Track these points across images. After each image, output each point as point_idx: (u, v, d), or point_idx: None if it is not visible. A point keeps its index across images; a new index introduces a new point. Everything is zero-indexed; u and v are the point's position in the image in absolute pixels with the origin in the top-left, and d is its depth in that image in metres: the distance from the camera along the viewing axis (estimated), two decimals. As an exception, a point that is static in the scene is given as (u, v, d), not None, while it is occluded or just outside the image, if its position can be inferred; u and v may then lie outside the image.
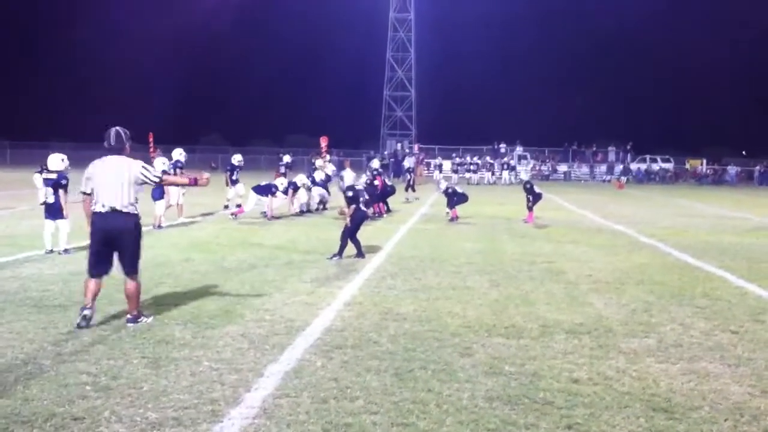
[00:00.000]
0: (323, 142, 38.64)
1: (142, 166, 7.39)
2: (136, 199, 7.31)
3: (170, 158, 18.67)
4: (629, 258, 12.79)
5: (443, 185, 21.05)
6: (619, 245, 14.76)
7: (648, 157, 61.56)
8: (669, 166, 60.72)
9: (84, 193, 7.39)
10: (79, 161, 11.70)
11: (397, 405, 5.08)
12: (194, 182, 7.93)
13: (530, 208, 19.35)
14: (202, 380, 5.56)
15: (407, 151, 60.74)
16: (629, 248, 14.31)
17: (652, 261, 12.53)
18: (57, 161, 12.29)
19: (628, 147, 62.46)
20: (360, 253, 12.11)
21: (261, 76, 78.96)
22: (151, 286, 9.09)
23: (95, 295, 7.24)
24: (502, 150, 59.72)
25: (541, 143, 62.40)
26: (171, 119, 65.21)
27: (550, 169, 60.81)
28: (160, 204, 16.22)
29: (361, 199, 12.37)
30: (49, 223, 12.09)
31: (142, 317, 7.33)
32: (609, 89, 73.28)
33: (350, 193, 12.42)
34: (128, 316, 7.30)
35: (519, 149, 61.19)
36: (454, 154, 57.37)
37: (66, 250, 11.97)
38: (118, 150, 7.36)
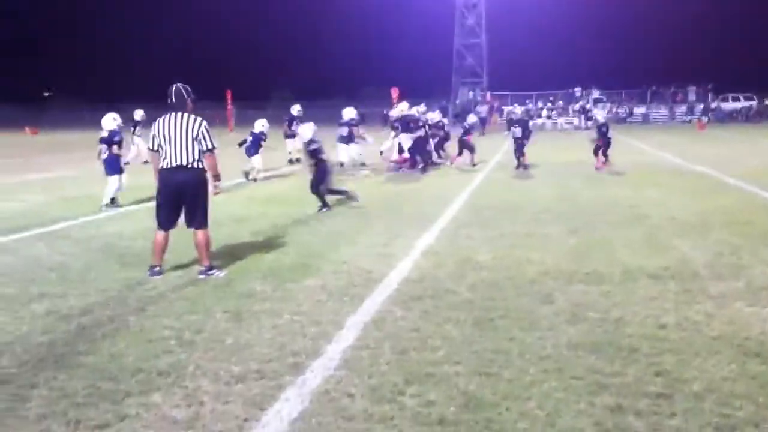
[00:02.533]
0: (394, 93, 38.38)
1: (204, 127, 7.45)
2: (200, 154, 7.42)
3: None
4: (714, 200, 12.35)
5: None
6: (702, 187, 14.29)
7: (730, 95, 59.34)
8: (752, 104, 58.41)
9: (152, 150, 7.57)
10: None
11: (479, 354, 5.01)
12: (216, 178, 7.79)
13: (597, 152, 18.38)
14: (283, 333, 5.59)
15: (479, 99, 59.95)
16: (713, 190, 13.84)
17: (738, 202, 12.08)
18: (109, 120, 12.98)
19: (709, 86, 60.30)
20: (324, 205, 12.01)
21: (329, 29, 78.79)
22: (230, 241, 9.21)
23: (163, 249, 7.54)
24: (577, 94, 58.40)
25: (618, 85, 60.71)
26: (241, 75, 65.83)
27: (627, 111, 59.24)
28: (256, 158, 17.39)
29: (323, 154, 12.17)
30: (109, 179, 12.81)
31: (214, 270, 7.49)
32: (686, 26, 70.55)
33: (313, 146, 12.15)
34: (200, 267, 7.52)
35: (595, 93, 59.73)
36: (527, 100, 56.39)
37: (106, 205, 12.64)
38: (179, 107, 7.47)
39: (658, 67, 64.78)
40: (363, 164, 20.04)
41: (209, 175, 7.62)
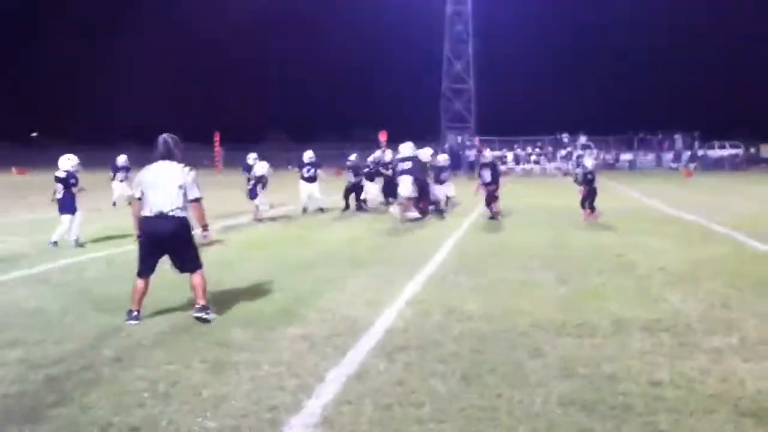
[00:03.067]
0: (382, 136, 38.57)
1: (192, 176, 7.46)
2: (185, 202, 7.36)
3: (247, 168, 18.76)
4: (703, 249, 12.24)
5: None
6: (691, 235, 14.20)
7: (716, 143, 59.83)
8: (738, 151, 58.89)
9: (135, 198, 7.51)
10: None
11: (465, 412, 4.80)
12: (204, 228, 7.82)
13: (584, 204, 17.21)
14: (261, 386, 5.37)
15: (468, 143, 60.22)
16: (702, 238, 13.74)
17: (728, 251, 11.97)
18: (64, 161, 13.49)
19: (695, 134, 60.81)
20: None
21: (321, 74, 79.36)
22: (211, 286, 8.97)
23: (143, 294, 7.41)
24: (565, 140, 58.78)
25: (605, 132, 61.13)
26: (234, 117, 66.03)
27: (614, 157, 59.63)
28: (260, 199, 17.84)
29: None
30: (61, 218, 13.20)
31: (209, 310, 7.40)
32: (674, 75, 71.38)
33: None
34: (196, 306, 7.37)
35: (582, 138, 60.13)
36: (515, 146, 56.71)
37: (53, 243, 12.91)
38: (166, 155, 7.47)
39: (645, 114, 65.27)
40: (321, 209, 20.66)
41: (195, 223, 7.64)
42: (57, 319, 7.45)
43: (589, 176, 17.36)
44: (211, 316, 7.36)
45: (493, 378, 5.52)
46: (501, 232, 15.08)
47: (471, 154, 48.92)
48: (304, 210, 20.41)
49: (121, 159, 24.24)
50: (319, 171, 20.98)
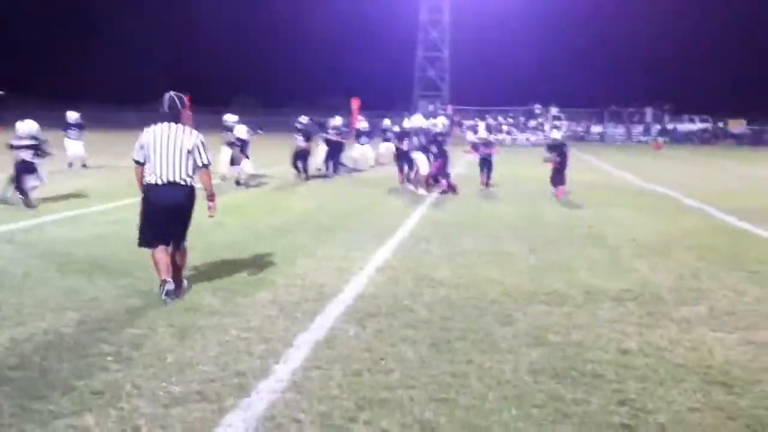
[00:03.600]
0: (354, 104, 38.30)
1: (201, 141, 6.80)
2: (194, 170, 6.78)
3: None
4: (674, 221, 12.30)
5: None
6: (662, 208, 14.26)
7: (686, 117, 60.30)
8: (708, 126, 59.42)
9: (136, 162, 6.79)
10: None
11: (435, 378, 4.75)
12: (211, 198, 7.03)
13: (555, 182, 16.09)
14: (229, 350, 5.27)
15: (440, 112, 60.01)
16: (674, 211, 13.81)
17: (699, 224, 12.04)
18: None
19: (665, 107, 61.21)
20: None
21: (294, 36, 78.46)
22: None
23: (168, 263, 6.69)
24: (537, 111, 58.85)
25: (577, 104, 61.31)
26: (203, 80, 65.08)
27: (585, 129, 59.88)
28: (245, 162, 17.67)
29: None
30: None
31: (185, 282, 7.03)
32: (646, 49, 71.63)
33: None
34: (174, 281, 6.71)
35: (554, 110, 60.24)
36: (487, 115, 56.64)
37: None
38: (173, 117, 6.78)
39: (616, 87, 65.53)
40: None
41: (202, 193, 6.95)
42: (19, 281, 7.27)
43: (562, 147, 16.69)
44: (185, 285, 6.97)
45: (463, 345, 5.47)
46: (472, 202, 15.03)
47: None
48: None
49: (73, 116, 22.24)
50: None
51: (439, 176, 17.06)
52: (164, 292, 6.55)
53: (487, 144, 18.42)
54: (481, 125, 23.62)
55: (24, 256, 8.55)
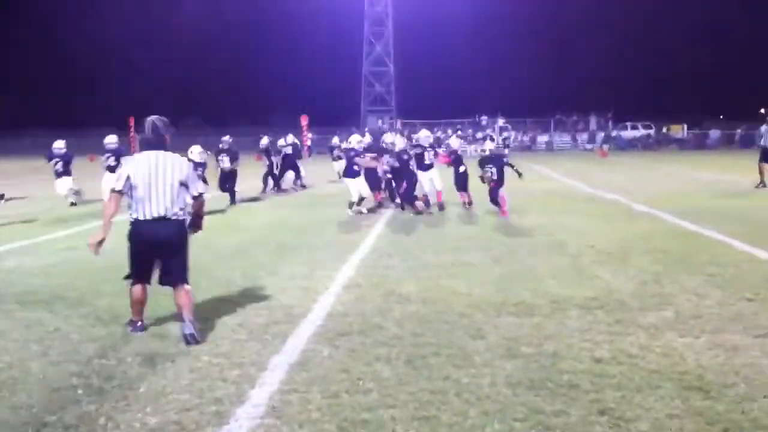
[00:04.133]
0: (303, 120, 38.38)
1: (191, 169, 6.38)
2: (185, 202, 6.27)
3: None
4: (627, 227, 12.49)
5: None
6: (614, 214, 14.48)
7: (629, 124, 61.53)
8: (650, 132, 60.70)
9: (115, 191, 6.13)
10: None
11: (415, 396, 4.73)
12: (198, 227, 6.74)
13: (494, 200, 14.65)
14: (202, 377, 5.18)
15: (387, 127, 60.21)
16: (625, 217, 14.03)
17: (652, 229, 12.24)
18: None
19: (609, 115, 62.38)
20: None
21: (237, 55, 78.06)
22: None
23: (143, 302, 6.37)
24: (484, 122, 59.45)
25: (522, 114, 62.15)
26: (148, 101, 64.33)
27: (531, 139, 60.69)
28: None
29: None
30: None
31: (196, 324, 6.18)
32: (587, 58, 73.01)
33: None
34: (186, 322, 6.08)
35: (500, 121, 60.91)
36: (435, 129, 56.98)
37: None
38: (158, 143, 6.21)
39: (561, 96, 66.69)
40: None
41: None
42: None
43: (500, 161, 15.17)
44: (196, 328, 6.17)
45: (438, 360, 5.46)
46: (427, 216, 15.06)
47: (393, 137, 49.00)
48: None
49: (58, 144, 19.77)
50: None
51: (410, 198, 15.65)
52: (132, 329, 6.30)
53: (459, 158, 16.74)
54: (453, 138, 23.32)
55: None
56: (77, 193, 19.09)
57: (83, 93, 72.64)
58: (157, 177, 6.05)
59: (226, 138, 19.93)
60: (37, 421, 4.41)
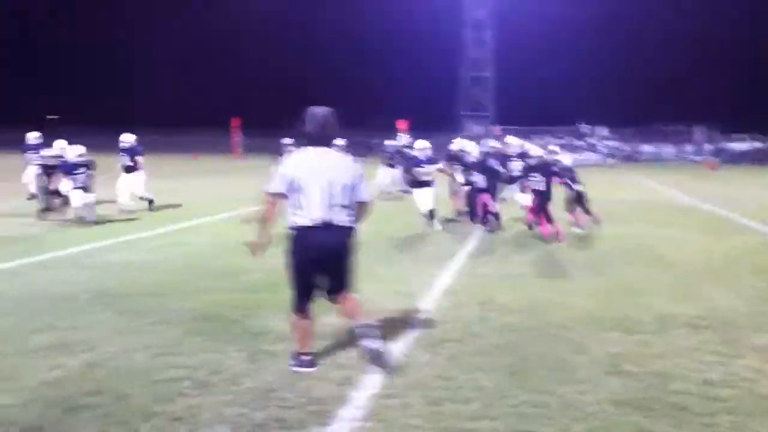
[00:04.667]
0: (401, 125, 38.59)
1: (362, 171, 5.49)
2: (353, 207, 5.42)
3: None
4: (734, 241, 12.03)
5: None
6: (721, 228, 13.97)
7: (737, 136, 59.31)
8: (760, 144, 58.33)
9: (276, 194, 5.36)
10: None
11: (517, 409, 4.66)
12: None
13: (542, 216, 12.54)
14: (304, 376, 5.25)
15: (487, 132, 59.83)
16: (732, 231, 13.52)
17: (759, 244, 11.76)
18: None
19: (716, 126, 60.28)
20: None
21: (336, 56, 79.01)
22: (240, 272, 8.88)
23: (309, 334, 5.58)
24: (584, 130, 58.39)
25: (626, 123, 60.61)
26: (251, 104, 65.92)
27: (634, 149, 59.19)
28: None
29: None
30: None
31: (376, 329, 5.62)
32: (693, 67, 70.74)
33: None
34: (369, 335, 5.53)
35: (603, 130, 59.65)
36: (534, 136, 56.26)
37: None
38: (326, 140, 5.40)
39: (665, 105, 64.76)
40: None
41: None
42: (85, 305, 7.36)
43: (570, 174, 13.30)
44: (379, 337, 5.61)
45: (540, 373, 5.37)
46: (513, 225, 14.84)
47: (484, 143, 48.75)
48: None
49: (31, 137, 17.91)
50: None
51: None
52: (296, 364, 5.45)
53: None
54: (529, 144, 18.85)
55: (88, 279, 8.66)
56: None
57: (188, 91, 74.91)
58: (322, 177, 5.22)
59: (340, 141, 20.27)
60: (145, 411, 4.55)
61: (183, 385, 5.03)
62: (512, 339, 6.25)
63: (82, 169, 13.60)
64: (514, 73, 68.12)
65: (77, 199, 13.40)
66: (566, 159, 13.87)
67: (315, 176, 5.22)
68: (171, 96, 70.57)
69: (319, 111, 5.43)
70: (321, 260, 5.37)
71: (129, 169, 16.17)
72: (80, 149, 13.91)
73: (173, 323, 6.64)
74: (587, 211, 13.30)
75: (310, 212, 5.23)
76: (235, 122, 51.55)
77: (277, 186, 5.30)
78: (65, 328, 6.44)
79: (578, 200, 13.33)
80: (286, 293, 7.69)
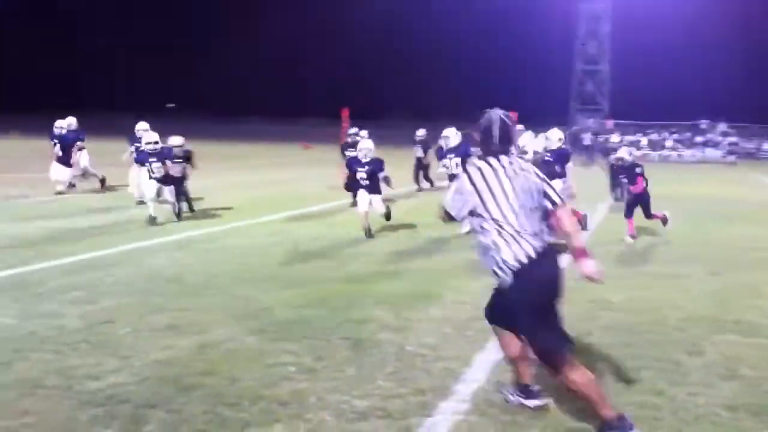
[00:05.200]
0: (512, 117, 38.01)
1: (543, 176, 4.31)
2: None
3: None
4: None
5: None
6: None
7: None
8: None
9: (455, 218, 4.43)
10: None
11: (626, 409, 4.50)
12: (581, 253, 4.25)
13: (630, 213, 11.83)
14: (407, 367, 5.25)
15: (598, 126, 58.46)
16: None
17: None
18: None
19: None
20: None
21: (447, 47, 78.85)
22: (344, 263, 8.98)
23: (599, 389, 4.20)
24: (703, 126, 56.20)
25: (748, 119, 57.91)
26: (353, 95, 66.70)
27: (756, 146, 56.46)
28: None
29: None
30: None
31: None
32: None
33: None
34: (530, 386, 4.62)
35: (722, 125, 57.24)
36: (649, 131, 54.60)
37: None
38: (504, 149, 4.31)
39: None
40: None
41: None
42: (197, 288, 7.60)
43: (637, 170, 11.82)
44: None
45: (650, 374, 5.19)
46: (640, 221, 14.40)
47: (586, 137, 47.61)
48: None
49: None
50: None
51: None
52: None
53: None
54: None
55: (199, 263, 8.94)
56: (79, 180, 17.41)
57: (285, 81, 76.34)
58: (519, 196, 4.15)
59: (421, 132, 20.72)
60: (253, 394, 4.65)
61: (289, 370, 5.12)
62: (622, 339, 6.07)
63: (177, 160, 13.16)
64: (630, 66, 66.26)
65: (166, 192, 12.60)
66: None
67: (510, 196, 4.16)
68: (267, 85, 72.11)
69: (493, 114, 4.39)
70: (556, 297, 4.26)
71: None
72: (179, 139, 13.61)
73: (280, 309, 6.77)
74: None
75: (520, 243, 4.11)
76: (344, 112, 52.03)
77: (456, 208, 4.32)
78: (177, 310, 6.68)
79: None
80: (389, 285, 7.82)
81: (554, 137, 11.66)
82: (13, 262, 8.57)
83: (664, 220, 11.99)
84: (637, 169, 11.75)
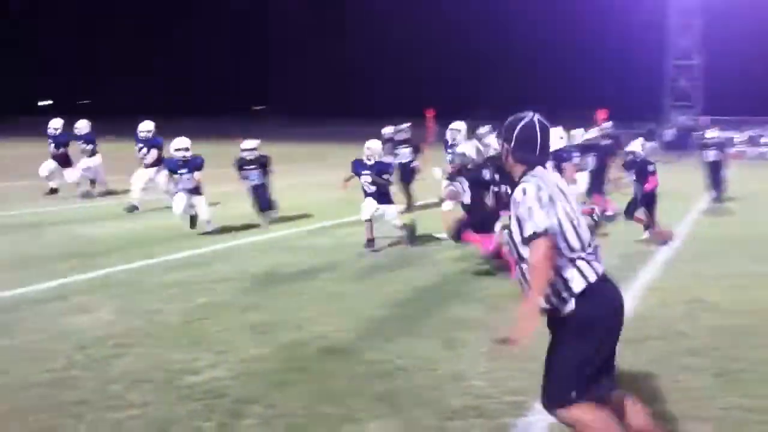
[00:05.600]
0: (601, 115, 37.23)
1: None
2: None
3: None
4: None
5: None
6: None
7: None
8: None
9: (542, 234, 3.34)
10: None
11: (727, 412, 4.39)
12: None
13: (632, 212, 11.14)
14: (499, 366, 5.21)
15: (692, 123, 56.78)
16: None
17: None
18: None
19: None
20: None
21: (533, 44, 77.93)
22: (437, 263, 8.99)
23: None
24: (804, 121, 53.86)
25: None
26: (433, 94, 66.68)
27: None
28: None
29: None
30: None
31: None
32: None
33: None
34: None
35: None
36: (745, 127, 52.69)
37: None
38: (544, 158, 3.60)
39: None
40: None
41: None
42: (288, 287, 7.75)
43: (647, 166, 11.04)
44: None
45: (753, 377, 5.03)
46: (734, 220, 13.92)
47: (668, 133, 46.32)
48: None
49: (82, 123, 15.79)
50: None
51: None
52: None
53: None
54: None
55: (293, 262, 9.09)
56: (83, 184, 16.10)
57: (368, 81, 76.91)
58: (574, 209, 3.51)
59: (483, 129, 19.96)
60: (348, 391, 4.72)
61: (384, 368, 5.16)
62: (722, 341, 5.90)
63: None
64: (725, 61, 64.05)
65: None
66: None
67: (570, 209, 3.49)
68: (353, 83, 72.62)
69: (532, 119, 3.59)
70: (612, 328, 3.73)
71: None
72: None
73: (374, 307, 6.84)
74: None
75: (588, 261, 3.64)
76: (429, 113, 52.07)
77: (544, 220, 3.35)
78: (273, 307, 6.83)
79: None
80: (478, 283, 7.79)
81: (554, 137, 11.08)
82: (111, 262, 8.88)
83: (663, 238, 10.80)
84: (650, 167, 10.96)
